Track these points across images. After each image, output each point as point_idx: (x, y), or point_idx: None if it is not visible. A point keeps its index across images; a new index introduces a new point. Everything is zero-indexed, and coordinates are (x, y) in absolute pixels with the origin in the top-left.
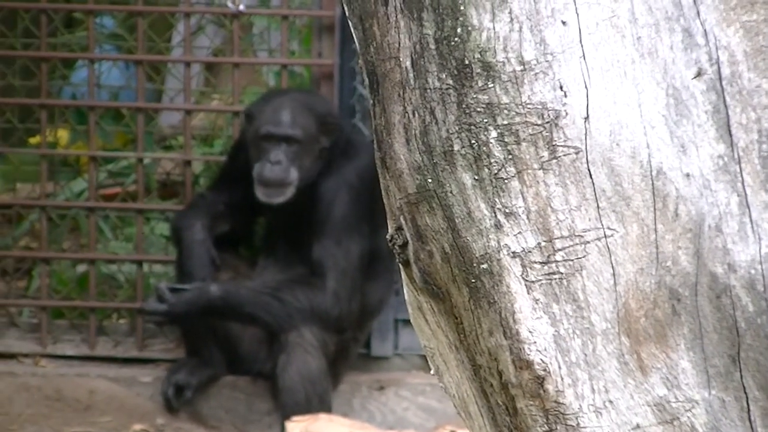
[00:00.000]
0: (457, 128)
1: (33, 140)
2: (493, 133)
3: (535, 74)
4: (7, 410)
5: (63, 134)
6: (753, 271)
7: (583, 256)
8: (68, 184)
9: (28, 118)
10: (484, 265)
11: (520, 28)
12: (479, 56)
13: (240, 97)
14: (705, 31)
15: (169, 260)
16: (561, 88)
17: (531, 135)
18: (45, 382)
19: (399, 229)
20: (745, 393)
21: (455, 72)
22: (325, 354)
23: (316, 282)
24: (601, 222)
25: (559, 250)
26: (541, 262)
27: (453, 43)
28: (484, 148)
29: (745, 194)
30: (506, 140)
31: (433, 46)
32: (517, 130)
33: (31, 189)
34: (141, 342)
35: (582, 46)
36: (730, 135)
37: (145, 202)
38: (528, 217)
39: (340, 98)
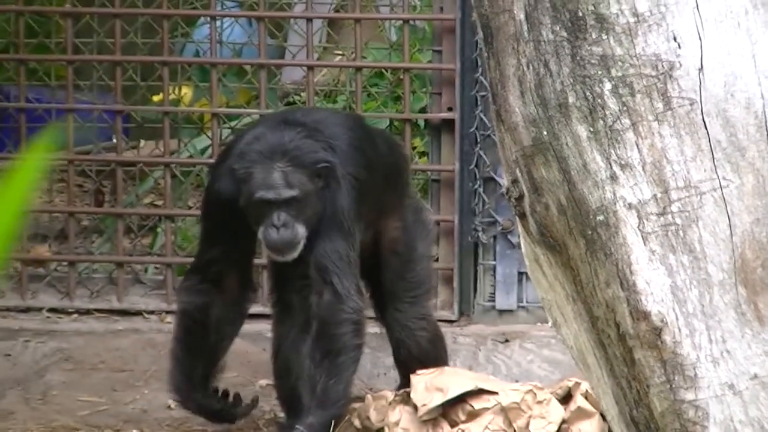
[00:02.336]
0: (571, 80)
1: (156, 98)
2: (608, 85)
3: (649, 26)
4: (132, 367)
5: (187, 91)
6: None
7: (699, 207)
8: (192, 141)
9: (150, 76)
10: (600, 217)
11: None
12: (593, 8)
13: (362, 53)
14: None
15: None
16: (675, 39)
17: (645, 86)
18: (170, 338)
19: (515, 181)
20: None
21: (569, 24)
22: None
23: (326, 296)
24: (716, 173)
25: (675, 201)
26: (657, 214)
27: None
28: (599, 100)
29: None
30: (621, 92)
31: None
32: (632, 82)
33: (155, 146)
34: (266, 297)
35: None
36: None
37: None
38: (643, 169)
39: (461, 52)
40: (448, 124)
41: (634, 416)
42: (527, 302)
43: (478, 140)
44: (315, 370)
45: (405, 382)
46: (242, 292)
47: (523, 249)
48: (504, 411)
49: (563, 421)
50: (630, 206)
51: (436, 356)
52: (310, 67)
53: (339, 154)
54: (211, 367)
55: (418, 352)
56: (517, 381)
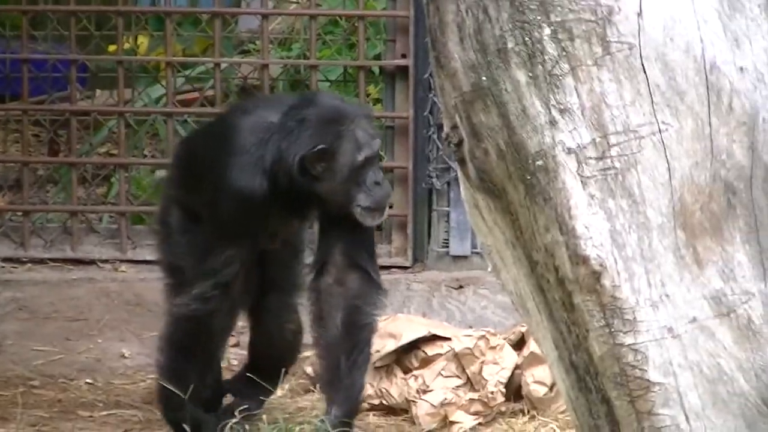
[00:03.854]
0: (510, 26)
1: (111, 47)
2: (547, 30)
3: None
4: (87, 316)
5: (143, 41)
6: None
7: (638, 151)
8: (146, 91)
9: (105, 25)
10: (540, 162)
11: None
12: None
13: (317, 1)
14: None
15: None
16: None
17: (584, 31)
18: (124, 287)
19: (454, 127)
20: None
21: None
22: None
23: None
24: (655, 117)
25: (614, 145)
26: (596, 158)
27: None
28: (538, 45)
29: None
30: (560, 37)
31: None
32: (571, 27)
33: (109, 96)
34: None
35: None
36: None
37: (223, 107)
38: (582, 114)
39: (416, 4)
40: (403, 71)
41: (573, 360)
42: (481, 248)
43: (432, 87)
44: (345, 360)
45: (251, 369)
46: (243, 297)
47: (462, 195)
48: (457, 357)
49: (516, 367)
50: (569, 151)
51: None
52: (265, 16)
53: None
54: (207, 376)
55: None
56: (470, 327)
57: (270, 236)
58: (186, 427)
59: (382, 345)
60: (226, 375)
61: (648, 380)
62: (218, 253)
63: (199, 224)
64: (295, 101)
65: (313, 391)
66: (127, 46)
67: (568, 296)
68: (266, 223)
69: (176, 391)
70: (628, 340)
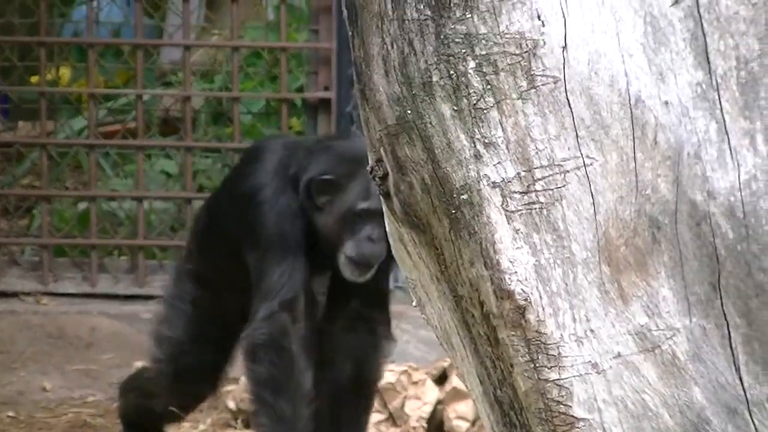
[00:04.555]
0: (435, 59)
1: (33, 78)
2: (472, 64)
3: (513, 4)
4: (9, 348)
5: (65, 72)
6: (732, 198)
7: (563, 186)
8: (69, 122)
9: (27, 56)
10: (464, 196)
11: None
12: None
13: (239, 32)
14: None
15: (168, 196)
16: (539, 17)
17: (509, 65)
18: (47, 320)
19: (379, 160)
20: (726, 320)
21: (433, 2)
22: None
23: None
24: (580, 151)
25: (539, 179)
26: (520, 192)
27: None
28: (463, 79)
29: (724, 121)
30: (485, 70)
31: None
32: (496, 60)
33: (32, 127)
34: (142, 278)
35: None
36: (708, 62)
37: (145, 138)
38: (507, 147)
39: (338, 31)
40: (325, 103)
41: (498, 396)
42: (403, 282)
43: (354, 120)
44: (350, 413)
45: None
46: (307, 319)
47: (387, 229)
48: (379, 392)
49: (438, 402)
50: (494, 185)
51: None
52: (188, 47)
53: None
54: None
55: None
56: (393, 362)
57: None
58: None
59: None
60: None
61: (572, 416)
62: (270, 274)
63: (209, 292)
64: (332, 134)
65: (234, 427)
66: (49, 77)
67: (492, 331)
68: (308, 238)
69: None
70: (552, 375)
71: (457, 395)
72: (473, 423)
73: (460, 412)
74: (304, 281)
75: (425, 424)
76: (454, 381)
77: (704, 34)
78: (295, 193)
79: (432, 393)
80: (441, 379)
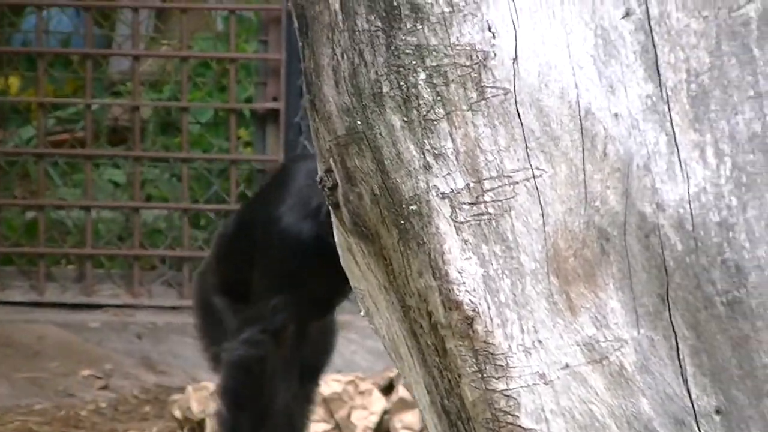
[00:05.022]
0: (386, 70)
1: None
2: (422, 75)
3: (464, 15)
4: None
5: (14, 81)
6: (681, 210)
7: (512, 197)
8: (17, 131)
9: None
10: (413, 207)
11: None
12: None
13: (188, 43)
14: None
15: (117, 206)
16: (489, 29)
17: (460, 76)
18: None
19: (328, 171)
20: (674, 332)
21: (384, 14)
22: None
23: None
24: (529, 162)
25: (488, 190)
26: (469, 203)
27: None
28: (413, 90)
29: (674, 133)
30: (435, 82)
31: None
32: (446, 72)
33: None
34: (89, 288)
35: None
36: (659, 75)
37: (94, 148)
38: (457, 158)
39: (287, 42)
40: (274, 114)
41: (445, 406)
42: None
43: (303, 130)
44: None
45: None
46: (297, 347)
47: (336, 239)
48: (325, 401)
49: (385, 412)
50: (443, 196)
51: None
52: (137, 57)
53: None
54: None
55: None
56: (339, 371)
57: (324, 301)
58: None
59: None
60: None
61: (520, 426)
62: (266, 299)
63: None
64: None
65: None
66: None
67: (440, 341)
68: (317, 275)
69: None
70: (500, 386)
71: (403, 405)
72: None
73: (407, 422)
74: (297, 314)
75: None
76: (401, 391)
77: (655, 47)
78: (314, 224)
79: (379, 403)
80: (388, 389)
